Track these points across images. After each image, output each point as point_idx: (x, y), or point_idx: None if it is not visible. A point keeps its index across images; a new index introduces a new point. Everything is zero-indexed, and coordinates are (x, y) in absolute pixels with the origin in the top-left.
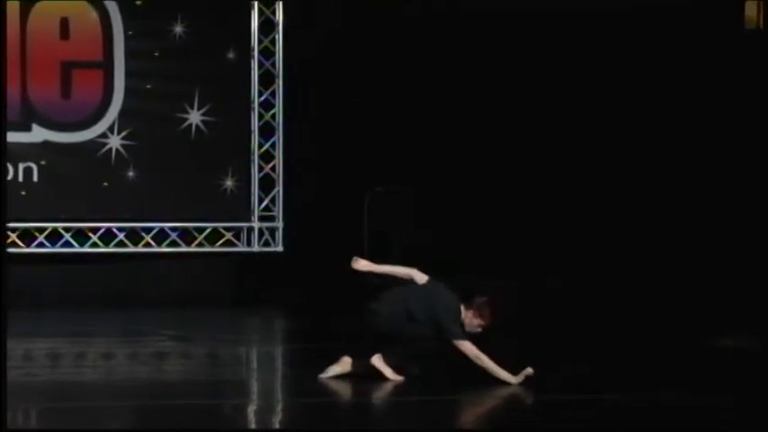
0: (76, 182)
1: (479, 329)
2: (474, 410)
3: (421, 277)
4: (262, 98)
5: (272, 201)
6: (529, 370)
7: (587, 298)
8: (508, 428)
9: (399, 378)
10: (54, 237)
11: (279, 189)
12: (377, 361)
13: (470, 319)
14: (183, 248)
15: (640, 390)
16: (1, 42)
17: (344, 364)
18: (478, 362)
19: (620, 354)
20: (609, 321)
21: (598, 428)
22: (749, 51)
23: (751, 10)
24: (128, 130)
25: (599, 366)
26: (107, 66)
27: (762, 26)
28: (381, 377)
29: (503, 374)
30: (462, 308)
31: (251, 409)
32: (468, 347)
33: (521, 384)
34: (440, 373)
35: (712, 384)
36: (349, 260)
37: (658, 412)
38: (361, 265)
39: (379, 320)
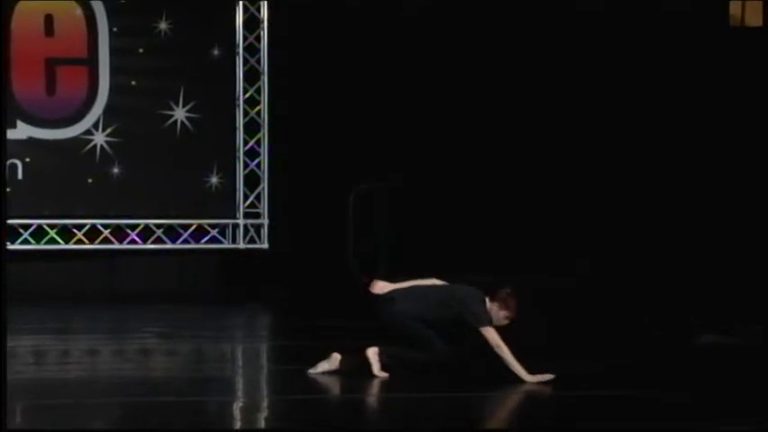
0: (61, 178)
1: (506, 321)
2: (463, 408)
3: (441, 283)
4: (247, 95)
5: (258, 197)
6: (547, 376)
7: (579, 295)
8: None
9: (384, 375)
10: (38, 233)
11: (264, 186)
12: (371, 353)
13: (496, 311)
14: (168, 245)
15: (630, 387)
16: (1, 42)
17: (333, 361)
18: (498, 351)
19: (607, 352)
20: (597, 319)
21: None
22: (734, 49)
23: (735, 8)
24: (112, 127)
25: (585, 365)
26: (92, 62)
27: (744, 24)
28: (368, 372)
29: (519, 370)
30: (487, 300)
31: (236, 407)
32: (491, 334)
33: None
34: (426, 375)
35: (703, 382)
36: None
37: (648, 410)
38: (380, 287)
39: (392, 310)
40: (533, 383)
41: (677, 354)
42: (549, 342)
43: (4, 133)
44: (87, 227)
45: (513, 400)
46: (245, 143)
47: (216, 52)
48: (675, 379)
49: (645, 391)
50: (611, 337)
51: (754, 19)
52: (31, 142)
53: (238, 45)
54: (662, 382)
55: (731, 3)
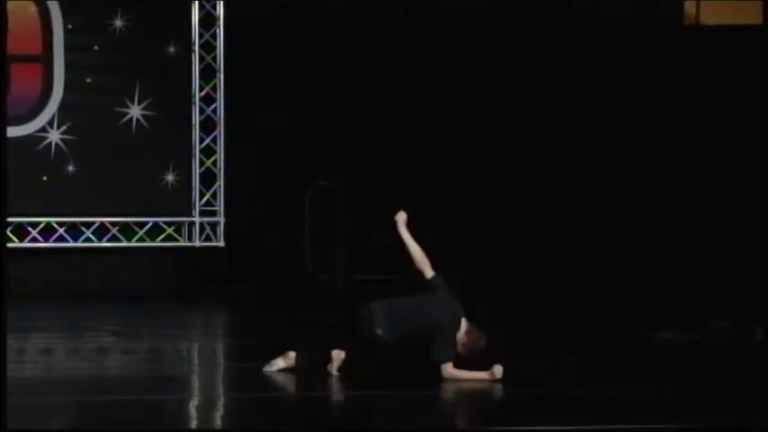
0: (15, 176)
1: (462, 350)
2: (423, 405)
3: (428, 272)
4: (203, 92)
5: (214, 195)
6: (498, 368)
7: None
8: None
9: (338, 373)
10: None
11: (220, 183)
12: (335, 353)
13: (463, 337)
14: (124, 243)
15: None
16: (1, 42)
17: (289, 359)
18: (453, 380)
19: (574, 349)
20: (572, 317)
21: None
22: (688, 48)
23: (690, 7)
24: (67, 125)
25: (558, 362)
26: (46, 60)
27: (699, 22)
28: (323, 370)
29: (478, 376)
30: (463, 323)
31: (193, 405)
32: (448, 372)
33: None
34: (385, 373)
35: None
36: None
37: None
38: (403, 218)
39: (369, 329)
40: (491, 380)
41: (644, 350)
42: (517, 341)
43: (4, 133)
44: (42, 225)
45: (481, 398)
46: (201, 141)
47: (172, 49)
48: (657, 377)
49: (622, 388)
50: (582, 333)
51: (708, 18)
52: None
53: (194, 42)
54: (640, 380)
55: (686, 2)
